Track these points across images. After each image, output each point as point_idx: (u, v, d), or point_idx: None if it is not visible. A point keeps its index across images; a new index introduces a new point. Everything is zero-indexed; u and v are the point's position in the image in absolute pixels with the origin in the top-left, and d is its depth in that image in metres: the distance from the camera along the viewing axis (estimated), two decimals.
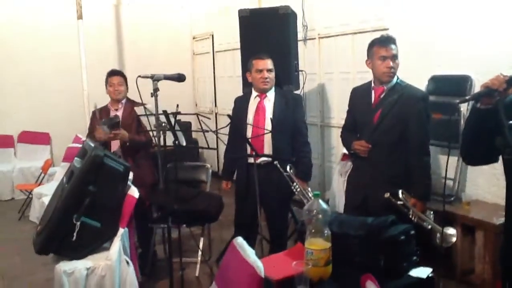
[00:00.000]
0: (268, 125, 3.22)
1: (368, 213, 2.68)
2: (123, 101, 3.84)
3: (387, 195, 2.67)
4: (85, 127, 6.01)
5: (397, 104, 2.79)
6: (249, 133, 3.27)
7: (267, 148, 3.26)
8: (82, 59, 5.97)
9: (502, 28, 3.28)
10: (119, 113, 3.79)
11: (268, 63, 3.31)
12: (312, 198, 2.24)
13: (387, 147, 2.83)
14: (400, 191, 2.72)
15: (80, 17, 5.95)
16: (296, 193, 3.18)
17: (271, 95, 3.34)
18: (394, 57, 2.78)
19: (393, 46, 2.79)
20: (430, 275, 1.88)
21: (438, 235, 2.51)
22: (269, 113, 3.28)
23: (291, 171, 3.17)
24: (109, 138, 3.62)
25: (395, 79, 2.84)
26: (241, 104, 3.44)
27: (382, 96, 2.85)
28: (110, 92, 3.83)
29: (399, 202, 2.68)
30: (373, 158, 2.86)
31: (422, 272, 1.89)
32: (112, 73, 3.88)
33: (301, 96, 3.73)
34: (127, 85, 3.86)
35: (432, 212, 2.78)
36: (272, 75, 3.31)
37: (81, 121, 6.01)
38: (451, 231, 2.50)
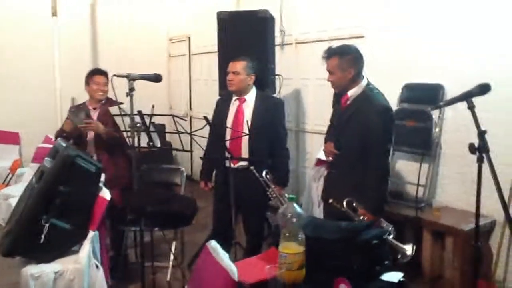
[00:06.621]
0: (246, 129, 3.18)
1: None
2: (103, 101, 3.75)
3: (330, 200, 2.67)
4: (57, 127, 5.89)
5: (353, 117, 2.76)
6: (228, 136, 3.24)
7: (245, 152, 3.23)
8: (55, 57, 5.82)
9: (474, 39, 3.37)
10: (96, 112, 3.70)
11: (236, 65, 3.24)
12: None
13: (348, 156, 2.82)
14: (345, 200, 2.64)
15: (54, 14, 5.82)
16: (272, 198, 3.15)
17: (250, 99, 3.30)
18: (330, 72, 2.79)
19: (329, 62, 2.78)
20: (401, 279, 1.91)
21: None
22: (247, 117, 3.24)
23: (267, 176, 3.15)
24: (81, 128, 3.52)
25: (360, 89, 2.77)
26: (222, 105, 3.40)
27: (347, 103, 2.83)
28: (93, 91, 3.71)
29: (342, 209, 2.64)
30: (338, 165, 2.88)
31: (393, 276, 1.92)
32: (98, 72, 3.77)
33: (282, 101, 3.66)
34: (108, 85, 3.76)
35: (392, 226, 2.67)
36: (238, 77, 3.22)
37: (53, 121, 5.86)
38: (407, 247, 2.39)
